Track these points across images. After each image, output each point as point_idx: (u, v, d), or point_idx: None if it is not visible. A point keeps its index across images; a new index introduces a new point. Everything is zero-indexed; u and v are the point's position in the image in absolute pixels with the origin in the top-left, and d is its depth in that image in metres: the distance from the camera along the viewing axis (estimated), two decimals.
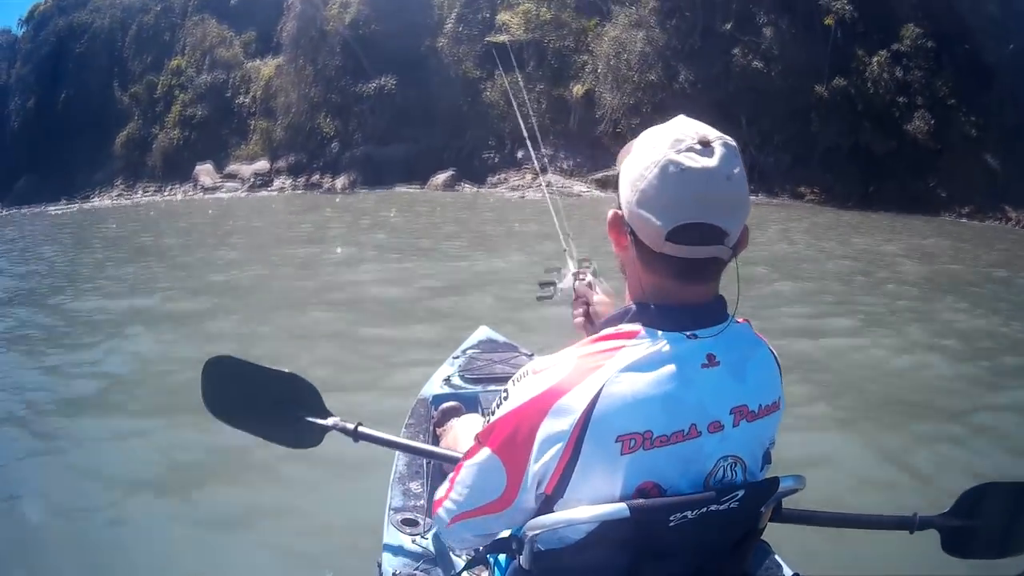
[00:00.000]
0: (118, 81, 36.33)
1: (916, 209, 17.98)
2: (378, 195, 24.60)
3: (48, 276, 11.19)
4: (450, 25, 27.65)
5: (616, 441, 0.99)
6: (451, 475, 1.17)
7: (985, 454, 4.03)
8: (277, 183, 29.83)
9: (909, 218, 17.24)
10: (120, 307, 8.09)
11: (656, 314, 1.05)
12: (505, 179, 24.78)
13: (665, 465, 1.02)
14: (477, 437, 1.13)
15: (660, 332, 1.03)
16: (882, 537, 1.67)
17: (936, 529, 1.48)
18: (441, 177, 25.46)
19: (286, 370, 1.68)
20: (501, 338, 3.39)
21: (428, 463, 2.24)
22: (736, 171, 1.01)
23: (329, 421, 1.66)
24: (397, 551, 1.86)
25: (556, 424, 1.00)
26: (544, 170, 22.12)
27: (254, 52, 32.49)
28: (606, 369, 1.00)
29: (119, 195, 34.67)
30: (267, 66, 31.55)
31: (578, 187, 22.47)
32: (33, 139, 38.65)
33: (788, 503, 1.23)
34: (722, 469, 1.05)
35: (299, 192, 28.40)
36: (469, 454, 1.12)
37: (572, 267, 1.68)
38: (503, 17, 26.99)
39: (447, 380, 2.86)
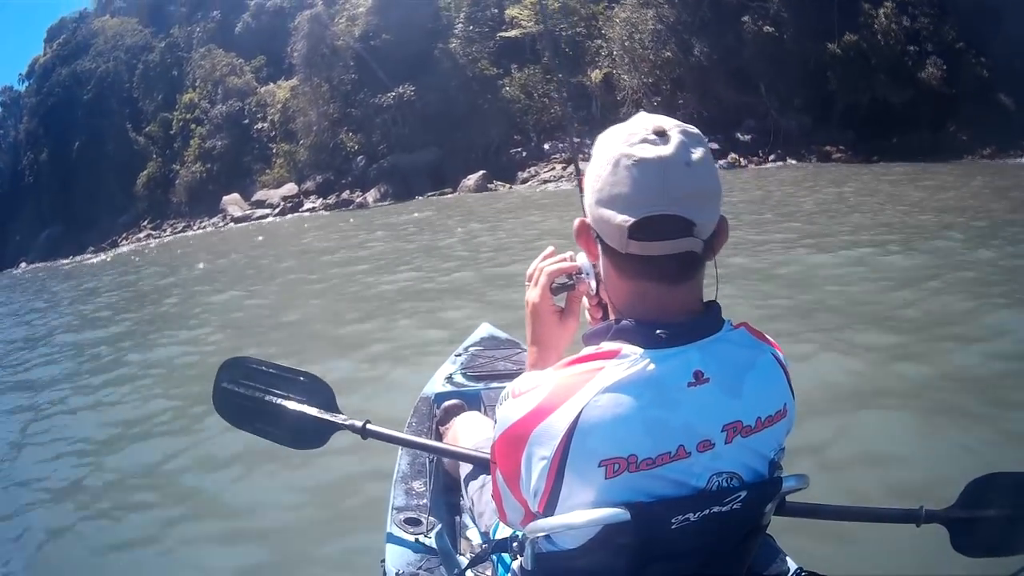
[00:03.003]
0: (131, 123, 39.91)
1: (939, 155, 20.33)
2: (415, 205, 26.89)
3: None
4: (460, 26, 30.63)
5: (599, 466, 1.04)
6: (492, 486, 1.24)
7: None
8: (307, 204, 32.80)
9: (939, 165, 18.91)
10: None
11: (638, 331, 1.09)
12: (535, 173, 27.67)
13: (653, 485, 1.07)
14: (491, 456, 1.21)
15: (643, 350, 1.06)
16: (888, 532, 1.78)
17: (943, 524, 1.55)
18: (472, 179, 28.13)
19: (303, 370, 1.96)
20: (503, 335, 3.58)
21: (431, 462, 2.42)
22: (696, 157, 1.04)
23: (338, 419, 1.88)
24: (400, 550, 1.99)
25: (538, 450, 1.06)
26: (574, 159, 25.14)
27: (266, 77, 35.84)
28: (585, 391, 1.04)
29: (147, 236, 38.03)
30: (281, 89, 34.80)
31: None
32: (51, 191, 42.39)
33: (792, 497, 1.29)
34: (716, 483, 1.10)
35: (333, 211, 30.82)
36: (492, 471, 1.21)
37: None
38: (512, 12, 29.99)
39: (449, 378, 3.05)
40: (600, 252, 1.15)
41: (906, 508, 1.57)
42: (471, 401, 2.77)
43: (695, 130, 1.08)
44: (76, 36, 42.68)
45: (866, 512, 1.74)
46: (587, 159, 1.14)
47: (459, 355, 3.31)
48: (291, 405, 1.90)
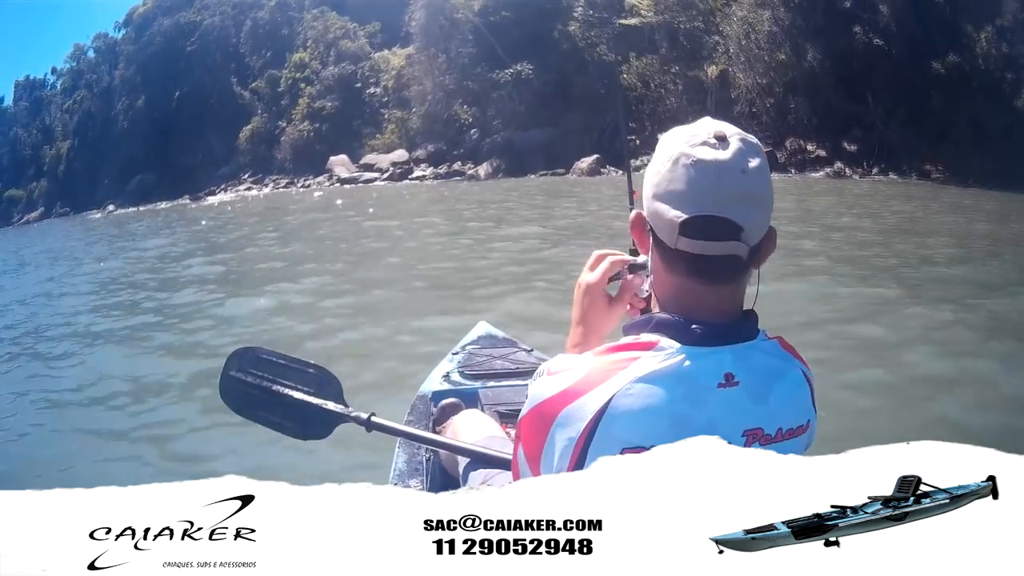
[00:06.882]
0: (236, 77, 47.38)
1: None
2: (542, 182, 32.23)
3: None
4: (580, 9, 37.31)
5: (621, 453, 1.22)
6: (512, 461, 1.47)
7: None
8: (417, 172, 39.10)
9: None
10: None
11: (678, 326, 1.31)
12: (647, 162, 34.22)
13: None
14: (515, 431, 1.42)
15: (679, 346, 1.28)
16: None
17: None
18: (586, 162, 34.13)
19: (311, 361, 2.36)
20: (500, 333, 4.15)
21: (427, 460, 2.85)
22: (752, 165, 1.27)
23: (343, 411, 2.24)
24: None
25: (565, 430, 1.27)
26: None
27: (380, 43, 43.02)
28: (619, 379, 1.25)
29: (248, 189, 45.26)
30: (396, 56, 42.03)
31: None
32: (146, 138, 50.02)
33: None
34: None
35: (442, 181, 37.03)
36: (514, 448, 1.43)
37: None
38: (632, 0, 36.57)
39: (446, 376, 3.51)
40: (651, 245, 1.38)
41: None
42: (468, 400, 3.15)
43: (755, 140, 1.32)
44: None
45: None
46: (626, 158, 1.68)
47: (456, 353, 3.82)
48: (298, 396, 2.30)
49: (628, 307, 1.67)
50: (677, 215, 1.26)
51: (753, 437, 1.29)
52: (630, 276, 1.68)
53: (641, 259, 1.60)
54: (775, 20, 33.03)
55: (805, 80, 31.89)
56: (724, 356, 1.29)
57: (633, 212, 1.43)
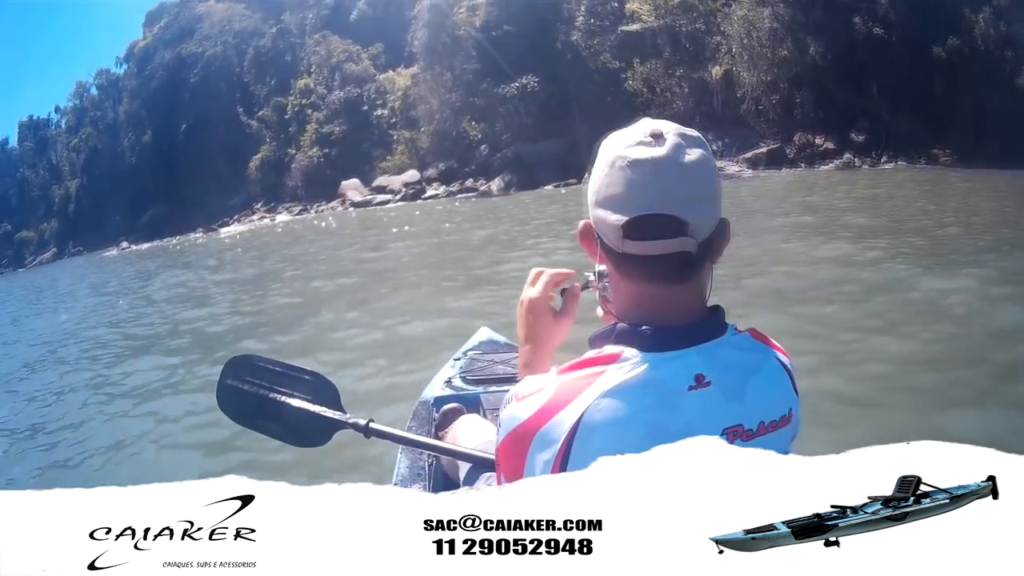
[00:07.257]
0: (242, 106, 48.52)
1: None
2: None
3: None
4: (581, 19, 38.26)
5: None
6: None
7: None
8: (429, 191, 40.03)
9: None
10: None
11: (640, 335, 1.30)
12: None
13: None
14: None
15: (644, 354, 1.27)
16: None
17: None
18: None
19: (308, 368, 2.40)
20: (502, 339, 4.18)
21: (430, 465, 2.89)
22: (690, 159, 1.26)
23: (341, 417, 2.26)
24: None
25: (542, 451, 1.27)
26: None
27: (384, 64, 44.10)
28: (587, 395, 1.25)
29: (261, 218, 46.41)
30: (401, 76, 43.10)
31: (731, 167, 30.97)
32: (154, 173, 51.23)
33: None
34: None
35: (458, 198, 37.72)
36: (496, 476, 1.43)
37: None
38: (632, 6, 37.51)
39: (448, 382, 3.56)
40: (601, 253, 1.36)
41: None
42: (470, 405, 3.22)
43: (695, 133, 1.30)
44: (179, 20, 51.51)
45: None
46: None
47: (458, 359, 3.87)
48: (295, 403, 2.31)
49: (602, 314, 1.57)
50: (619, 219, 1.26)
51: (734, 435, 1.29)
52: (575, 284, 1.70)
53: (604, 267, 1.50)
54: (775, 17, 33.68)
55: (809, 74, 32.49)
56: (692, 358, 1.28)
57: (581, 222, 1.41)
